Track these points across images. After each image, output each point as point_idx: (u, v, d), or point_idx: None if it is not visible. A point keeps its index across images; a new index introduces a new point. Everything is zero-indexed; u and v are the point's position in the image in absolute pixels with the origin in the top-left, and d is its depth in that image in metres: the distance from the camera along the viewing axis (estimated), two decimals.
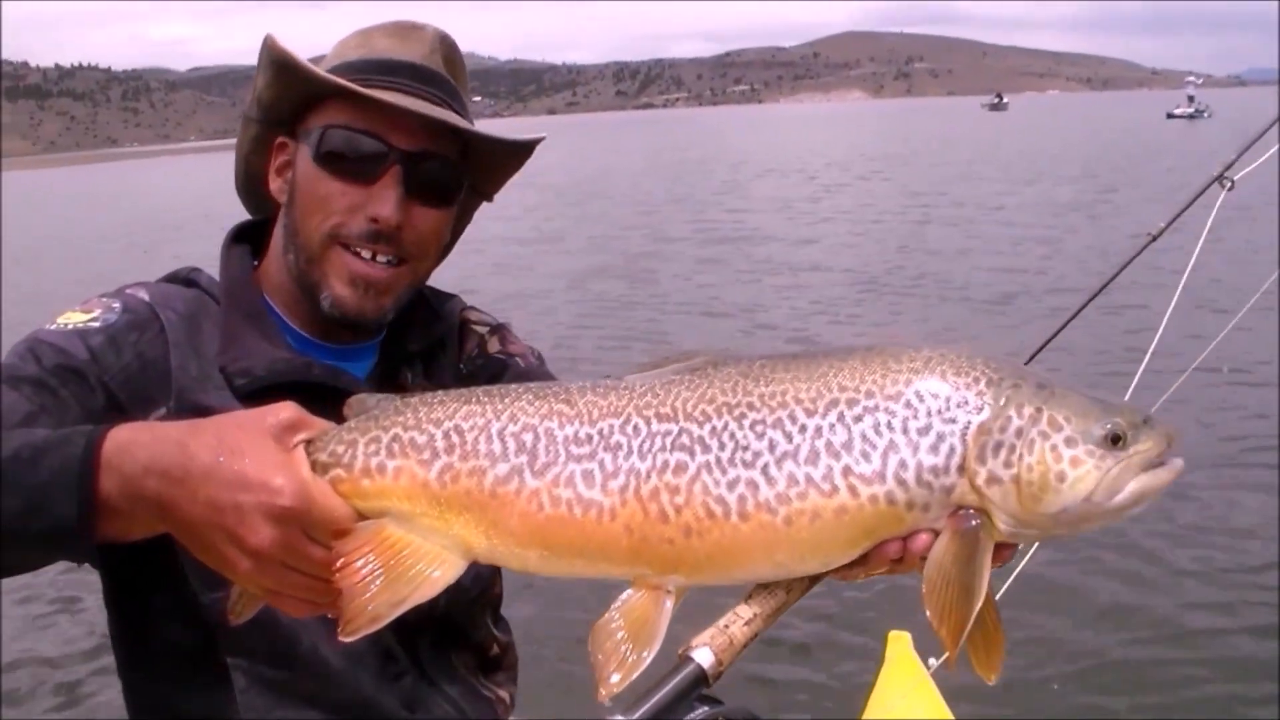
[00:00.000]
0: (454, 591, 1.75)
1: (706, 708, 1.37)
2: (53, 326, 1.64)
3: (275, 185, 1.79)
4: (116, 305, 1.69)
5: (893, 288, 15.59)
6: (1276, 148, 3.01)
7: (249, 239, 1.88)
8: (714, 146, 70.41)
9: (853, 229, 22.25)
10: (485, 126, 1.88)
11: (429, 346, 1.90)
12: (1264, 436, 8.38)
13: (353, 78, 1.72)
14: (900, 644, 3.01)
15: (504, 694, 1.98)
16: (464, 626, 1.92)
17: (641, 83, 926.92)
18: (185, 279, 1.82)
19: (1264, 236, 15.33)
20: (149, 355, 1.65)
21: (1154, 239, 2.87)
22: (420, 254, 1.80)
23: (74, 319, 1.66)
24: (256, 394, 1.58)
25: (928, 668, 2.80)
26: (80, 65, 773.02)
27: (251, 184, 1.89)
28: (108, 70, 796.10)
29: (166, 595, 1.65)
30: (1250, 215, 16.79)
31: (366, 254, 1.73)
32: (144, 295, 1.73)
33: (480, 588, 1.91)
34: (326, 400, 1.40)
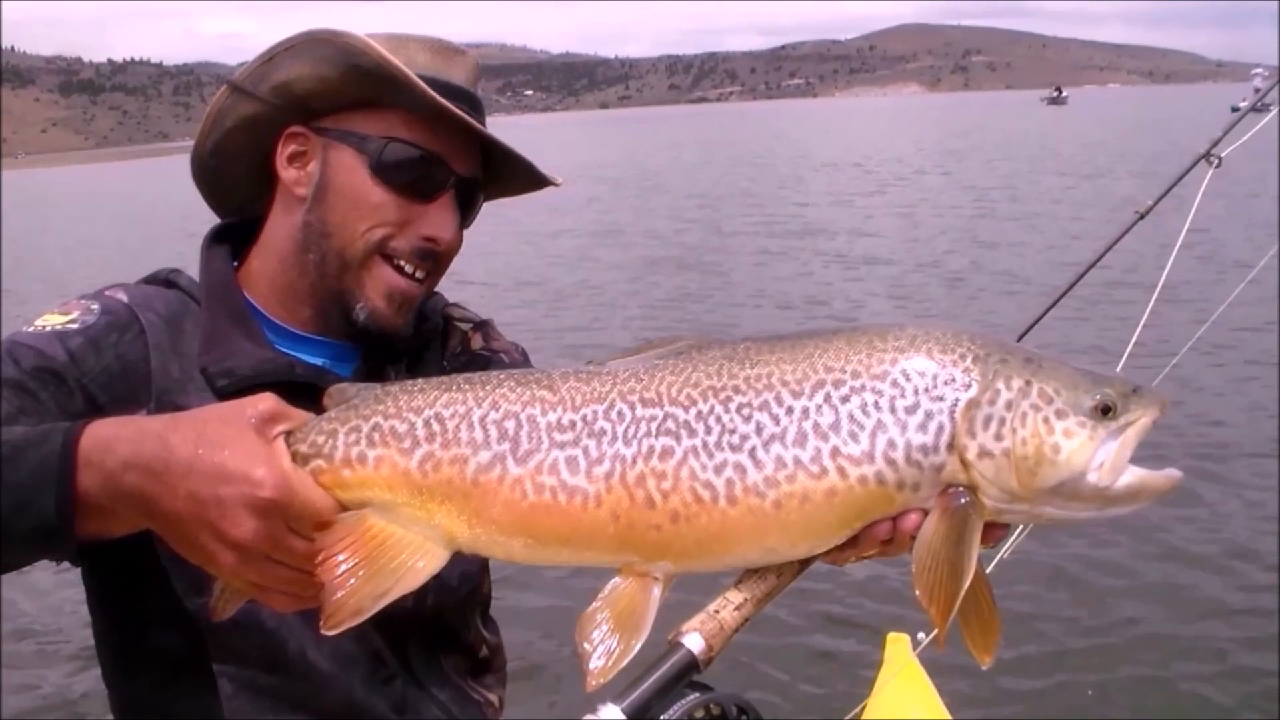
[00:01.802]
0: (442, 591, 1.70)
1: (697, 694, 1.37)
2: (30, 329, 1.63)
3: (290, 175, 1.76)
4: (95, 307, 1.68)
5: (954, 281, 15.59)
6: (1275, 114, 2.99)
7: (229, 238, 1.87)
8: (770, 140, 70.10)
9: (913, 223, 22.21)
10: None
11: (414, 345, 1.89)
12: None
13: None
14: (899, 646, 3.02)
15: (493, 697, 1.97)
16: (454, 628, 1.91)
17: (695, 76, 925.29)
18: (165, 280, 1.82)
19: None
20: (129, 357, 1.65)
21: (1142, 216, 2.91)
22: (444, 269, 1.84)
23: (52, 321, 1.65)
24: (238, 394, 1.52)
25: (916, 644, 2.80)
26: (132, 60, 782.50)
27: (222, 160, 1.84)
28: (159, 65, 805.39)
29: (151, 600, 1.65)
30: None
31: (409, 268, 1.75)
32: (123, 297, 1.72)
33: (469, 586, 1.90)
34: (311, 399, 1.40)
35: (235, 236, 1.87)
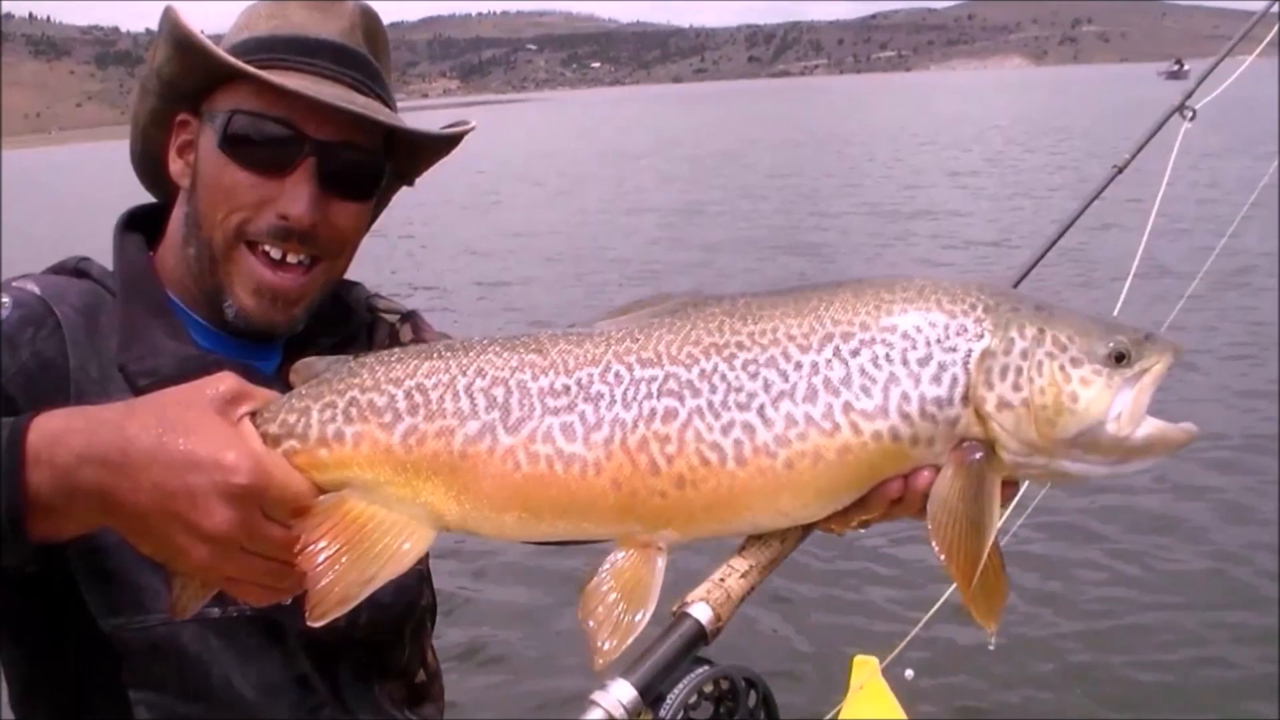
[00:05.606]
0: (375, 608, 1.65)
1: (705, 668, 1.40)
2: None
3: (176, 167, 1.77)
4: (6, 300, 1.65)
5: (1071, 265, 15.54)
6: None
7: (142, 225, 1.86)
8: (862, 118, 69.38)
9: (1025, 204, 22.27)
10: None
11: (341, 340, 1.87)
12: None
13: (265, 57, 1.70)
14: (866, 669, 3.04)
15: None
16: (388, 649, 1.87)
17: (777, 48, 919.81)
18: (74, 269, 1.80)
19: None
20: (46, 354, 1.62)
21: (1120, 170, 3.12)
22: (337, 252, 1.80)
23: None
24: None
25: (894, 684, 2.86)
26: None
27: (148, 162, 1.86)
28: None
29: (64, 620, 1.62)
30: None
31: (276, 253, 1.71)
32: (34, 288, 1.69)
33: (404, 600, 1.86)
34: None
35: (148, 223, 1.86)
